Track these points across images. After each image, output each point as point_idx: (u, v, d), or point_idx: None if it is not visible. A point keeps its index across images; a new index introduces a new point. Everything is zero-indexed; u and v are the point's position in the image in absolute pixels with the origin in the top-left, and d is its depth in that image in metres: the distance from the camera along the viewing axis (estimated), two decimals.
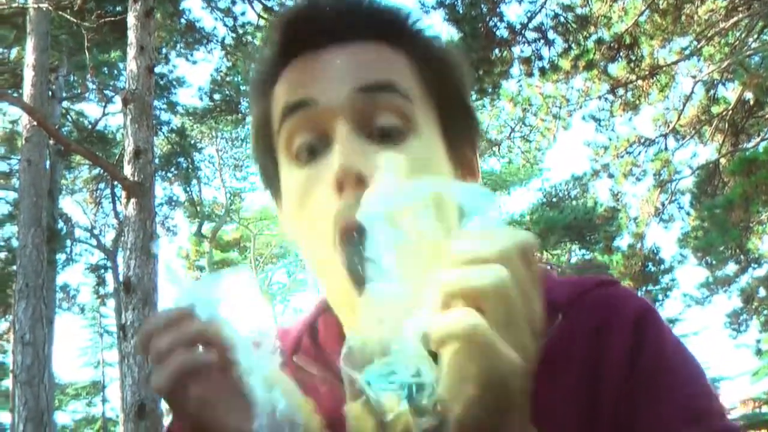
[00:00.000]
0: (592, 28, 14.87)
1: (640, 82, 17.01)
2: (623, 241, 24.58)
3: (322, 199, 0.97)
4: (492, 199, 0.77)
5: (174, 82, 22.82)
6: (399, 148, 0.97)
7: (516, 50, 14.41)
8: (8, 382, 16.30)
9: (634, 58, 16.02)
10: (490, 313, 0.70)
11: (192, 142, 28.37)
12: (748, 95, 16.85)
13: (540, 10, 13.96)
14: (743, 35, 16.10)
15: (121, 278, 10.43)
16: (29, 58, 12.62)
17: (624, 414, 0.93)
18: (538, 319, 0.75)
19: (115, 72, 22.21)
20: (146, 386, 8.59)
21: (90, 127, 23.35)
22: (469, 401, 0.71)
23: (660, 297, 29.70)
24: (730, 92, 18.04)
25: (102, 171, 21.82)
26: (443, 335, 0.70)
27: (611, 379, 0.95)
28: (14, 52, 18.95)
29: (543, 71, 14.51)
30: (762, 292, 24.16)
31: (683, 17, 15.51)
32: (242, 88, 25.78)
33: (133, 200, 9.17)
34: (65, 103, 21.78)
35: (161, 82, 21.26)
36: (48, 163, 14.83)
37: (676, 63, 17.13)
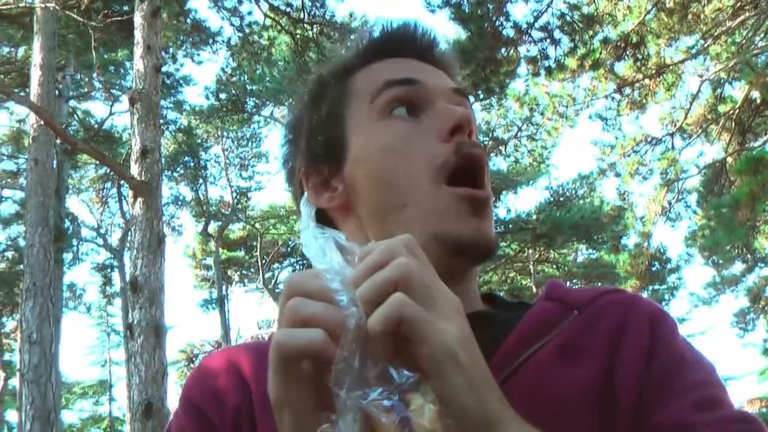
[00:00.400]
0: (598, 27, 14.85)
1: (646, 81, 16.99)
2: (630, 241, 24.58)
3: (430, 140, 1.08)
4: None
5: (181, 81, 22.85)
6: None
7: (522, 49, 14.40)
8: (15, 381, 16.33)
9: (640, 57, 16.00)
10: (409, 296, 0.74)
11: (198, 141, 28.43)
12: (755, 94, 16.81)
13: (546, 10, 13.94)
14: (750, 34, 16.07)
15: (127, 277, 10.45)
16: (36, 57, 12.64)
17: (638, 405, 0.95)
18: (452, 297, 0.79)
19: (122, 71, 22.25)
20: (153, 385, 8.62)
21: (97, 126, 23.41)
22: (438, 384, 0.74)
23: (667, 296, 29.70)
24: (737, 91, 18.02)
25: (109, 170, 21.91)
26: (383, 323, 0.73)
27: (627, 373, 0.97)
28: (21, 51, 19.00)
29: (549, 70, 14.49)
30: None
31: (690, 16, 15.48)
32: (248, 87, 25.85)
33: (140, 199, 9.19)
34: (72, 102, 21.84)
35: (168, 81, 21.30)
36: (55, 162, 14.84)
37: (682, 62, 17.11)
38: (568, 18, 14.12)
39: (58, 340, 12.80)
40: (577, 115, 18.33)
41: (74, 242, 23.84)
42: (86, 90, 23.05)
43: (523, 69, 15.09)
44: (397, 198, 1.07)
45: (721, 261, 23.69)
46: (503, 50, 13.96)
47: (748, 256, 20.86)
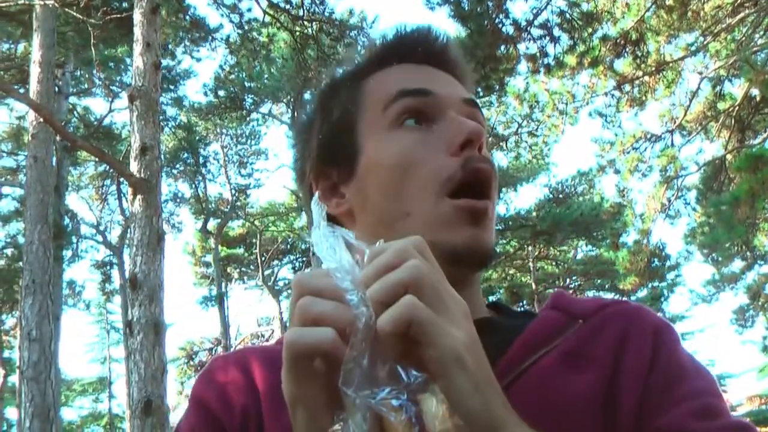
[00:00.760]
0: (598, 25, 14.84)
1: (646, 78, 16.99)
2: (629, 238, 24.59)
3: (439, 154, 1.09)
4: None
5: (181, 75, 22.86)
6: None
7: (522, 47, 14.39)
8: (15, 378, 16.34)
9: (640, 54, 16.00)
10: (419, 299, 0.75)
11: (198, 138, 28.45)
12: (755, 92, 16.81)
13: (545, 7, 13.94)
14: (750, 31, 16.07)
15: (127, 275, 10.44)
16: (35, 54, 12.64)
17: (639, 413, 0.97)
18: (460, 302, 0.80)
19: (122, 67, 22.25)
20: (153, 382, 8.62)
21: (96, 123, 23.40)
22: (444, 386, 0.75)
23: (666, 293, 29.74)
24: (737, 88, 18.02)
25: (108, 167, 21.89)
26: (392, 324, 0.74)
27: (629, 382, 0.99)
28: (21, 48, 19.00)
29: (549, 68, 14.50)
30: None
31: (689, 13, 15.47)
32: (247, 84, 25.87)
33: (139, 197, 9.18)
34: (72, 99, 21.84)
35: (168, 76, 21.32)
36: (54, 159, 14.85)
37: (682, 59, 17.10)
38: (568, 15, 14.12)
39: (57, 337, 12.80)
40: (576, 112, 18.31)
41: (74, 239, 23.86)
42: (86, 86, 23.05)
43: (522, 66, 15.11)
44: (402, 207, 1.08)
45: (720, 258, 23.68)
46: (503, 48, 13.96)
47: (748, 253, 20.85)
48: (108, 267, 29.51)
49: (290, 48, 20.57)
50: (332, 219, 1.15)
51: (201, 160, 29.29)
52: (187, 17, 18.40)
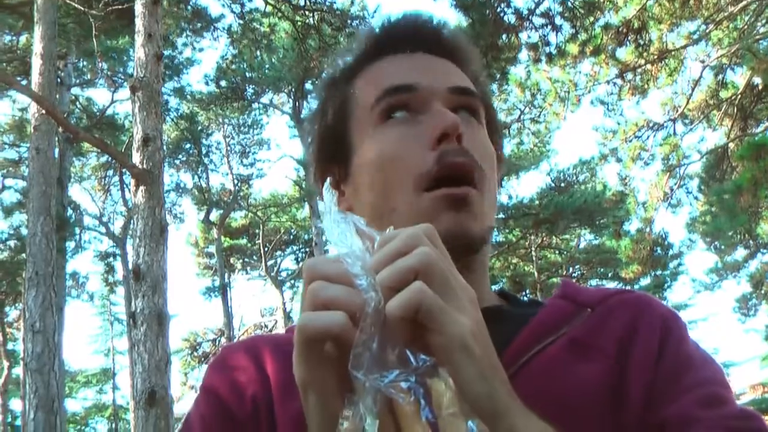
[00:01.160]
0: (600, 13, 14.82)
1: (648, 66, 16.97)
2: (631, 226, 24.58)
3: (418, 149, 1.09)
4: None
5: (183, 64, 22.85)
6: (472, 130, 1.13)
7: (523, 36, 14.37)
8: (19, 370, 16.37)
9: (642, 43, 15.98)
10: (428, 285, 0.76)
11: (200, 128, 28.43)
12: (757, 80, 16.80)
13: None
14: (752, 19, 16.04)
15: (130, 266, 10.45)
16: (37, 46, 12.60)
17: (646, 401, 0.98)
18: (468, 289, 0.81)
19: (125, 58, 22.23)
20: (156, 373, 8.64)
21: (99, 113, 23.39)
22: (450, 372, 0.76)
23: (668, 281, 29.75)
24: (739, 77, 18.01)
25: (111, 158, 21.89)
26: (401, 309, 0.74)
27: (637, 370, 1.00)
28: (23, 40, 18.97)
29: (551, 57, 14.48)
30: None
31: (691, 1, 15.45)
32: (248, 74, 25.84)
33: (142, 188, 9.18)
34: (75, 90, 21.83)
35: (171, 64, 21.30)
36: (57, 151, 14.84)
37: (684, 47, 17.08)
38: (569, 4, 14.08)
39: (61, 329, 12.79)
40: (578, 100, 18.30)
41: (77, 231, 23.87)
42: (89, 77, 23.04)
43: (524, 55, 15.09)
44: (389, 203, 1.09)
45: (723, 247, 23.70)
46: (504, 37, 13.94)
47: (751, 241, 20.87)
48: (111, 258, 29.53)
49: (291, 38, 20.56)
50: None
51: (203, 150, 29.26)
52: (189, 7, 18.40)
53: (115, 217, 28.99)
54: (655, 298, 1.13)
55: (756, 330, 30.07)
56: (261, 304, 37.93)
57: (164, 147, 11.17)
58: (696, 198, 20.87)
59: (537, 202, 26.45)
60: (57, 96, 14.78)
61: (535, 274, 30.33)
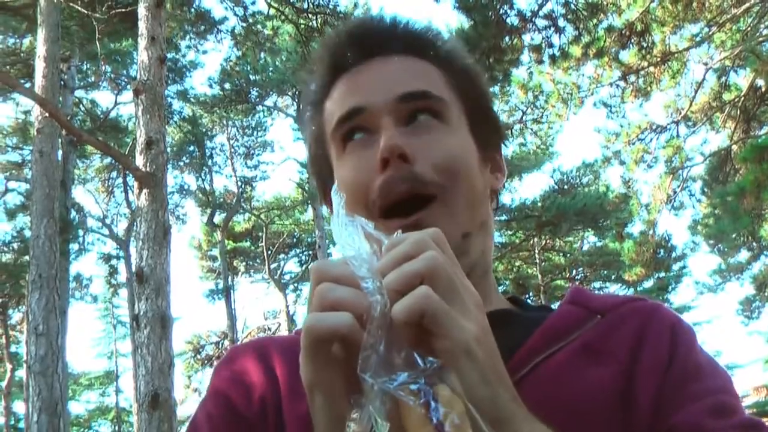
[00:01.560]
0: (603, 16, 14.81)
1: (651, 68, 16.96)
2: (635, 229, 24.58)
3: (369, 174, 1.08)
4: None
5: (187, 66, 22.86)
6: (431, 136, 1.10)
7: (526, 38, 14.38)
8: (22, 373, 16.39)
9: (645, 45, 15.97)
10: (434, 290, 0.76)
11: (204, 130, 28.45)
12: (760, 82, 16.80)
13: None
14: (755, 22, 16.03)
15: (133, 268, 10.45)
16: (40, 49, 12.62)
17: (655, 408, 0.98)
18: (474, 294, 0.82)
19: (128, 61, 22.25)
20: (160, 376, 8.64)
21: (103, 116, 23.42)
22: (458, 372, 0.76)
23: (672, 283, 29.72)
24: (742, 79, 18.01)
25: (114, 160, 21.91)
26: (406, 314, 0.75)
27: (646, 377, 1.01)
28: (27, 42, 18.99)
29: (554, 59, 14.48)
30: None
31: (695, 3, 15.44)
32: (252, 77, 25.86)
33: (145, 191, 9.19)
34: (78, 92, 21.84)
35: (174, 67, 21.32)
36: (60, 153, 14.86)
37: (687, 50, 17.07)
38: (573, 6, 14.09)
39: (64, 331, 12.82)
40: (581, 102, 18.29)
41: (80, 233, 23.88)
42: (92, 80, 23.06)
43: (526, 57, 15.09)
44: None
45: (726, 249, 23.69)
46: (507, 39, 13.94)
47: (754, 244, 20.86)
48: (114, 260, 29.53)
49: (295, 41, 20.54)
50: None
51: (207, 152, 29.29)
52: (192, 10, 18.40)
53: (119, 220, 28.99)
54: (665, 306, 1.13)
55: (759, 332, 30.07)
56: (264, 307, 38.02)
57: (168, 149, 11.17)
58: (699, 200, 20.86)
59: (540, 204, 26.43)
60: (60, 98, 14.80)
61: (539, 276, 30.30)
